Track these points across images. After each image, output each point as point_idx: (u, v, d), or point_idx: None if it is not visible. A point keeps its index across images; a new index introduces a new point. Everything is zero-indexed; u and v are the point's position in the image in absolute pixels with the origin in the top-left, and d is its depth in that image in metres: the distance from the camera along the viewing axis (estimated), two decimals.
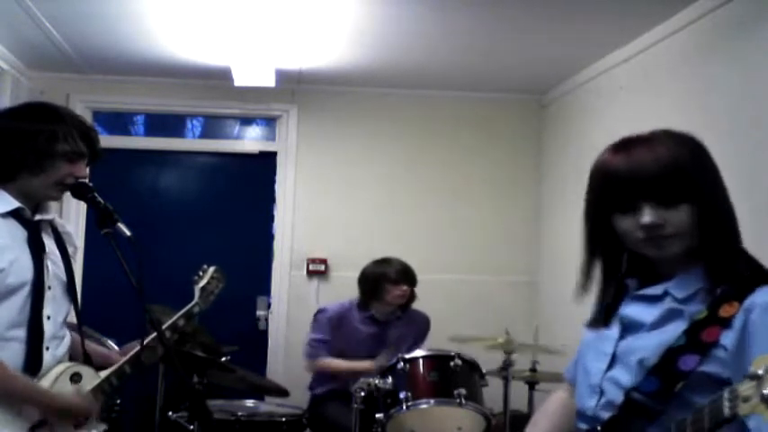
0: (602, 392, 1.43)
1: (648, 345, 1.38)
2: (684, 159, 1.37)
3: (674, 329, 1.36)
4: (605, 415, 1.40)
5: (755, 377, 1.03)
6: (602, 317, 1.50)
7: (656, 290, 1.43)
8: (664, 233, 1.37)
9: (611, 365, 1.44)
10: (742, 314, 1.29)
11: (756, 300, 1.29)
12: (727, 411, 1.07)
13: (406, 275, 3.92)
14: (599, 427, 1.41)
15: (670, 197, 1.35)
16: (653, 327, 1.41)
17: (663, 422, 1.30)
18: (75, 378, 2.13)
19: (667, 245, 1.38)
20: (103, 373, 2.21)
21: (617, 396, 1.39)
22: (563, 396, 1.69)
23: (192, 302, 2.53)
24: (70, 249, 2.24)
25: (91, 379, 2.17)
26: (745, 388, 1.04)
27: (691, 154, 1.39)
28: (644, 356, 1.37)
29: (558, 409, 1.68)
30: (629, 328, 1.45)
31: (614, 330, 1.47)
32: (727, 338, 1.29)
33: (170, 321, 2.41)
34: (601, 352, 1.47)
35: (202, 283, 2.58)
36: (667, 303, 1.40)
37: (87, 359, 2.23)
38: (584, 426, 1.46)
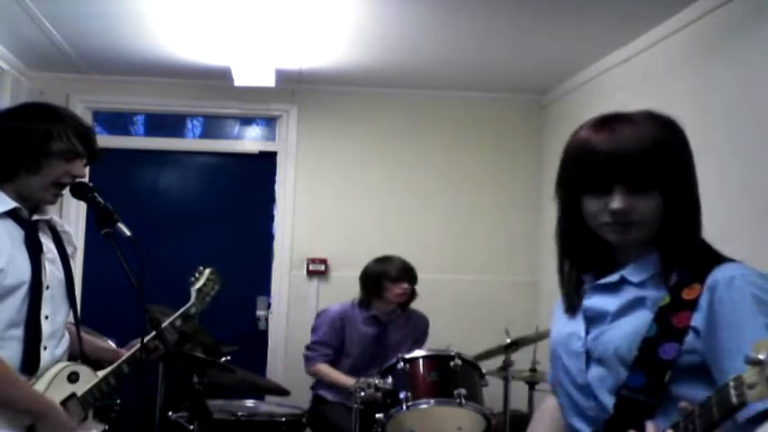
0: (593, 392, 1.42)
1: (618, 335, 1.38)
2: (665, 144, 1.35)
3: (640, 317, 1.36)
4: (603, 415, 1.40)
5: (757, 362, 1.02)
6: (570, 305, 1.50)
7: (612, 277, 1.43)
8: (630, 219, 1.36)
9: (588, 363, 1.43)
10: (707, 293, 1.30)
11: (718, 276, 1.30)
12: (734, 400, 1.06)
13: (407, 273, 3.93)
14: (600, 430, 1.40)
15: (644, 182, 1.34)
16: (616, 316, 1.40)
17: (659, 414, 1.30)
18: (73, 377, 2.13)
19: (631, 231, 1.37)
20: (101, 373, 2.21)
21: (608, 395, 1.39)
22: (555, 403, 1.68)
23: (189, 304, 2.53)
24: (69, 249, 2.24)
25: (88, 378, 2.18)
26: (749, 374, 1.04)
27: (672, 140, 1.38)
28: (617, 347, 1.37)
29: (554, 415, 1.67)
30: (593, 320, 1.44)
31: (580, 326, 1.46)
32: (697, 320, 1.30)
33: (165, 323, 2.41)
34: (573, 351, 1.46)
35: (199, 284, 2.58)
36: (628, 291, 1.40)
37: (85, 359, 2.24)
38: (583, 426, 1.45)
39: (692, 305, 1.30)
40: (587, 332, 1.44)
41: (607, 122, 1.39)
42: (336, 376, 3.85)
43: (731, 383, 1.07)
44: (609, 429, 1.38)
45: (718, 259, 1.35)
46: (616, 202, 1.34)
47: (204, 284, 2.59)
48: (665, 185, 1.34)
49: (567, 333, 1.48)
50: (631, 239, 1.39)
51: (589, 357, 1.43)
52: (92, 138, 2.17)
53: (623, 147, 1.33)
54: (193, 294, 2.55)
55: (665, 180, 1.34)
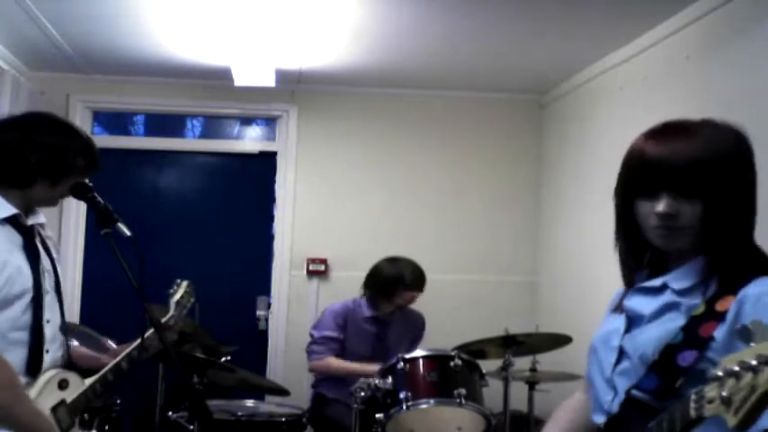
0: (614, 387, 1.45)
1: (647, 339, 1.40)
2: (714, 155, 1.37)
3: (670, 322, 1.37)
4: (612, 411, 1.41)
5: (717, 378, 1.03)
6: (619, 303, 1.53)
7: (655, 282, 1.45)
8: (675, 224, 1.38)
9: (619, 360, 1.46)
10: (735, 306, 1.31)
11: (749, 291, 1.31)
12: (693, 413, 1.08)
13: (422, 281, 3.93)
14: (602, 427, 1.42)
15: (688, 189, 1.37)
16: (650, 319, 1.43)
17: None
18: (63, 384, 2.15)
19: (677, 237, 1.40)
20: (88, 381, 2.23)
21: (624, 393, 1.40)
22: (582, 397, 1.69)
23: (168, 315, 2.56)
24: (54, 252, 2.26)
25: (77, 386, 2.20)
26: (710, 389, 1.05)
27: (724, 152, 1.39)
28: (642, 352, 1.39)
29: (576, 406, 1.68)
30: (633, 320, 1.47)
31: (621, 323, 1.49)
32: (720, 331, 1.31)
33: (133, 345, 2.36)
34: (609, 346, 1.49)
35: (177, 296, 2.62)
36: (666, 296, 1.42)
37: (72, 365, 2.26)
38: (600, 418, 1.47)
39: (721, 317, 1.31)
40: (626, 331, 1.47)
41: (662, 130, 1.44)
42: (354, 366, 3.79)
43: (693, 396, 1.09)
44: (610, 426, 1.40)
45: (760, 270, 1.35)
46: (662, 206, 1.38)
47: (182, 297, 2.63)
48: (706, 194, 1.36)
49: (610, 329, 1.51)
50: (677, 246, 1.41)
51: (621, 354, 1.46)
52: (97, 154, 2.25)
53: (671, 154, 1.38)
54: (172, 306, 2.59)
55: (706, 189, 1.36)
